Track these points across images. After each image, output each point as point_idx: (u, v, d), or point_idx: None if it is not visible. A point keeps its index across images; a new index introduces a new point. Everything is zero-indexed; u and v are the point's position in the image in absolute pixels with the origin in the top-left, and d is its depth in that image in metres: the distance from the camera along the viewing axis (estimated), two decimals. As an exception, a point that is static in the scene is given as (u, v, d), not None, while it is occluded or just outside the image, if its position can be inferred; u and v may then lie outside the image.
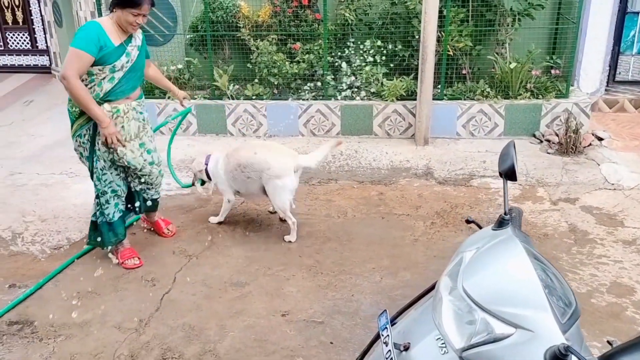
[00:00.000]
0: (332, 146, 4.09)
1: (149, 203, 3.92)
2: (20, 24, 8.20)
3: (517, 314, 1.20)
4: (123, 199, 3.72)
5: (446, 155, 5.60)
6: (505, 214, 1.56)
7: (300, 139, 6.11)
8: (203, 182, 4.29)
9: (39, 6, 7.90)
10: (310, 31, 6.20)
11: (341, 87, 6.12)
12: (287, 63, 6.10)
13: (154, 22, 6.81)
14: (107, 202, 3.61)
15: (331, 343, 2.94)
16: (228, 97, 6.21)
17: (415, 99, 5.83)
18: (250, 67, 6.26)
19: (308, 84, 6.19)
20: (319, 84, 6.18)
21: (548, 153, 5.50)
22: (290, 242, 3.99)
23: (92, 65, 3.24)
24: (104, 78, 3.31)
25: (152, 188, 3.87)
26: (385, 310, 1.56)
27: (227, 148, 4.51)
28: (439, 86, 6.00)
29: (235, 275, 3.59)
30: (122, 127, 3.44)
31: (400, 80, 6.01)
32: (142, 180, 3.74)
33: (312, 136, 6.16)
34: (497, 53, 6.04)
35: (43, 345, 2.98)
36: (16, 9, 8.14)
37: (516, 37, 6.04)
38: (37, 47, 8.28)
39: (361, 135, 6.10)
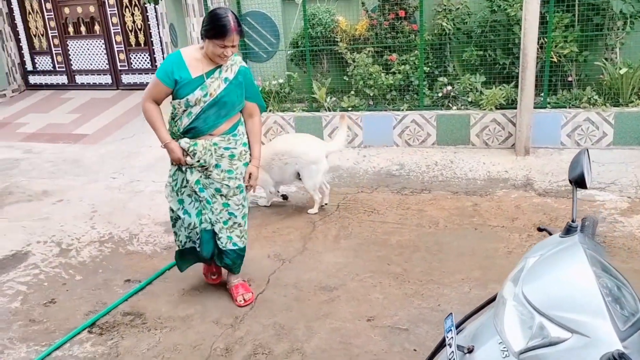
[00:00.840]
0: (344, 125, 4.81)
1: (226, 260, 3.46)
2: (142, 45, 9.05)
3: (573, 319, 1.19)
4: (196, 232, 3.41)
5: (548, 165, 5.37)
6: (572, 221, 1.54)
7: (394, 149, 6.16)
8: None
9: (158, 28, 8.67)
10: (407, 42, 6.25)
11: (437, 97, 6.10)
12: (382, 74, 6.19)
13: (258, 39, 7.22)
14: (178, 228, 3.46)
15: (415, 350, 2.97)
16: (325, 109, 6.42)
17: (515, 108, 5.67)
18: (347, 79, 6.43)
19: (403, 95, 6.23)
20: (414, 94, 6.20)
21: (664, 164, 5.09)
22: (313, 213, 4.70)
23: (173, 99, 3.13)
24: (183, 112, 3.12)
25: (222, 232, 3.39)
26: (451, 313, 1.59)
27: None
28: (542, 94, 5.77)
29: (325, 280, 3.72)
30: (198, 159, 3.20)
31: (500, 89, 5.86)
32: (205, 214, 3.36)
33: (406, 146, 6.19)
34: (605, 59, 5.70)
35: (151, 335, 3.30)
36: (138, 32, 9.00)
37: (627, 41, 5.66)
38: (156, 66, 9.08)
39: (457, 145, 6.02)
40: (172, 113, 3.20)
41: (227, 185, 3.32)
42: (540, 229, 1.63)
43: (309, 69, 6.47)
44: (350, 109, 6.33)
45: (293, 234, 4.44)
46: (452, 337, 1.45)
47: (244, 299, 3.51)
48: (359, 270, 3.81)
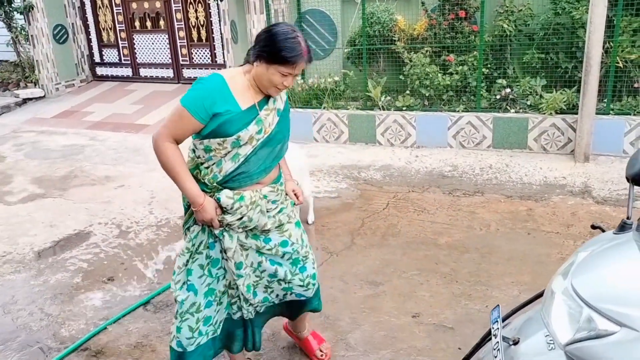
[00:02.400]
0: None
1: (314, 305, 2.78)
2: (204, 41, 9.32)
3: (623, 312, 1.17)
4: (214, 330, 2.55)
5: (608, 173, 5.18)
6: (627, 218, 1.50)
7: (448, 151, 6.10)
8: None
9: (220, 25, 8.90)
10: (466, 43, 6.17)
11: (495, 99, 5.99)
12: (439, 75, 6.14)
13: (316, 37, 7.31)
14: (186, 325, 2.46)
15: (459, 349, 2.95)
16: (379, 108, 6.42)
17: (576, 113, 5.50)
18: (403, 78, 6.41)
19: (460, 96, 6.16)
20: (471, 96, 6.11)
21: None
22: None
23: (210, 138, 2.24)
24: (225, 155, 2.28)
25: (293, 277, 2.61)
26: (497, 305, 1.59)
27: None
28: (604, 100, 5.57)
29: (371, 275, 3.74)
30: (242, 217, 2.35)
31: (561, 93, 5.70)
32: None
33: (461, 148, 6.11)
34: (676, 64, 5.44)
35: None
36: (201, 28, 9.28)
37: (703, 47, 5.39)
38: (216, 61, 9.34)
39: (514, 149, 5.90)
40: (200, 157, 2.32)
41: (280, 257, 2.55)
42: (593, 227, 1.60)
43: (365, 67, 6.50)
44: (404, 108, 6.30)
45: (341, 228, 4.48)
46: (497, 328, 1.45)
47: (324, 354, 2.92)
48: (406, 267, 3.81)
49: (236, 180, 2.34)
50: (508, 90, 5.91)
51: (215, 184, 2.33)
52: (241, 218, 2.34)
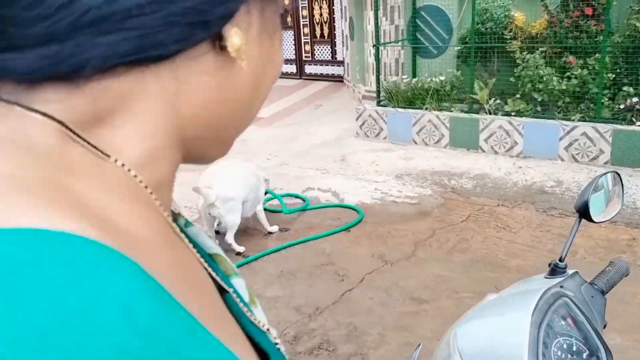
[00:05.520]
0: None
1: None
2: (325, 37, 9.43)
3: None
4: None
5: None
6: (560, 260, 1.16)
7: (557, 164, 5.44)
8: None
9: (341, 21, 8.95)
10: (591, 44, 5.44)
11: (618, 109, 5.20)
12: (554, 78, 5.50)
13: (430, 35, 6.98)
14: None
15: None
16: (485, 112, 5.94)
17: None
18: (514, 81, 5.86)
19: (578, 104, 5.45)
20: (591, 104, 5.38)
21: None
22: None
23: None
24: None
25: None
26: (420, 344, 1.34)
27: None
28: None
29: (419, 291, 3.46)
30: None
31: None
32: None
33: (572, 162, 5.41)
34: None
35: (236, 307, 3.44)
36: (324, 25, 9.40)
37: None
38: (335, 58, 9.40)
39: (635, 167, 5.07)
40: None
41: None
42: (549, 264, 1.27)
43: (472, 67, 6.05)
44: (513, 113, 5.75)
45: (407, 237, 4.22)
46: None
47: None
48: (461, 287, 3.46)
49: None
50: (635, 99, 5.09)
51: None
52: None
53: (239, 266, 3.92)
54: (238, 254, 4.11)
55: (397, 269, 3.76)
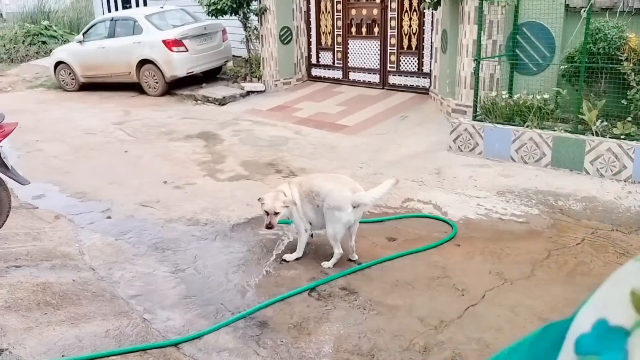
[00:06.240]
0: (392, 185, 4.04)
1: None
2: (413, 49, 9.41)
3: None
4: None
5: None
6: None
7: (672, 192, 5.22)
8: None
9: (431, 34, 8.91)
10: None
11: None
12: (673, 103, 5.29)
13: (530, 52, 6.86)
14: None
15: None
16: (592, 133, 5.77)
17: None
18: (625, 103, 5.66)
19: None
20: None
21: None
22: (328, 267, 4.01)
23: None
24: None
25: None
26: None
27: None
28: None
29: (547, 312, 3.39)
30: None
31: None
32: None
33: (689, 191, 5.18)
34: None
35: (359, 312, 3.47)
36: (412, 36, 9.39)
37: None
38: (422, 70, 9.36)
39: None
40: None
41: None
42: None
43: (581, 87, 5.89)
44: (623, 136, 5.56)
45: (522, 256, 4.14)
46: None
47: None
48: (591, 312, 3.36)
49: None
50: None
51: None
52: None
53: (352, 272, 3.96)
54: (351, 260, 4.14)
55: (518, 288, 3.69)
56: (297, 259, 4.15)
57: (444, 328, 3.27)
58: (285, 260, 4.14)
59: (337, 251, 4.01)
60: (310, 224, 4.10)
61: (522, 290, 3.65)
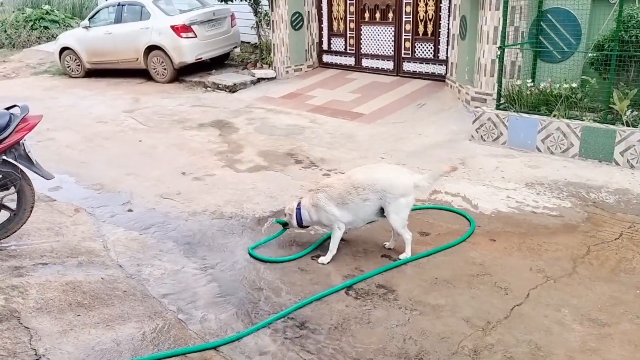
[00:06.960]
0: (447, 171, 4.14)
1: None
2: (429, 35, 9.21)
3: None
4: None
5: None
6: None
7: None
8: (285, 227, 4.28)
9: (448, 20, 8.71)
10: None
11: None
12: None
13: (555, 38, 6.69)
14: None
15: None
16: (622, 123, 5.63)
17: None
18: (658, 93, 5.52)
19: None
20: None
21: None
22: (406, 256, 3.97)
23: None
24: None
25: None
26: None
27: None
28: None
29: (595, 312, 3.28)
30: None
31: None
32: None
33: None
34: None
35: (401, 313, 3.36)
36: (428, 22, 9.19)
37: None
38: (438, 57, 9.17)
39: None
40: None
41: None
42: None
43: (612, 76, 5.73)
44: (654, 127, 5.43)
45: (562, 251, 4.02)
46: None
47: None
48: (641, 312, 3.27)
49: None
50: None
51: None
52: None
53: (387, 269, 3.85)
54: (385, 254, 4.04)
55: (561, 286, 3.58)
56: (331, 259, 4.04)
57: (491, 330, 3.16)
58: (322, 264, 4.01)
59: (408, 236, 3.99)
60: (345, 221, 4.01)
61: (567, 289, 3.54)
